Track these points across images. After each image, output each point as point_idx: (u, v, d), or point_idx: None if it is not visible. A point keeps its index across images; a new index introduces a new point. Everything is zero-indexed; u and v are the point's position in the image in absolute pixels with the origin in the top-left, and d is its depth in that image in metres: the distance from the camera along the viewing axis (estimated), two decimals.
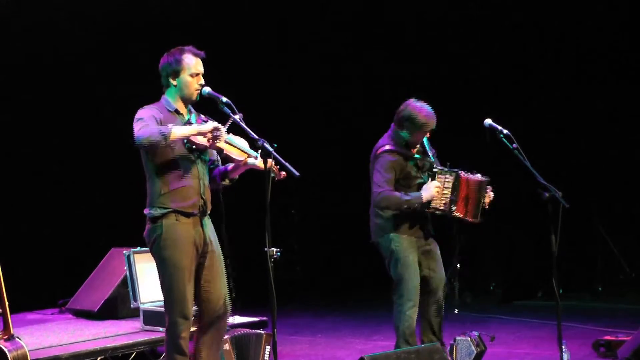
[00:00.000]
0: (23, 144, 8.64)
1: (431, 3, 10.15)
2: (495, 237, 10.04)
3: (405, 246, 5.78)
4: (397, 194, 5.74)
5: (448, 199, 5.74)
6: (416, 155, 5.85)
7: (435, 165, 5.83)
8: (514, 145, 5.60)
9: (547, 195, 5.50)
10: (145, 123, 4.61)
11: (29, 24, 8.58)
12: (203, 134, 4.62)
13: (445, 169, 5.81)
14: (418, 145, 5.90)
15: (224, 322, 4.95)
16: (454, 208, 5.76)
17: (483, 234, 9.70)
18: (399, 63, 10.63)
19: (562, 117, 10.03)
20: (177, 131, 4.55)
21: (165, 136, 4.50)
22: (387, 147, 5.82)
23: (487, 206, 5.91)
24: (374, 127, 10.98)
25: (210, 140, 4.65)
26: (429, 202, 5.72)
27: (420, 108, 5.77)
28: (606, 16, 9.74)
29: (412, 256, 5.78)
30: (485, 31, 10.16)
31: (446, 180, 5.77)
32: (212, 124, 4.64)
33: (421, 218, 5.85)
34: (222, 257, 4.93)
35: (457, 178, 5.78)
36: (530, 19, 9.96)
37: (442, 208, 5.76)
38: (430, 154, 5.93)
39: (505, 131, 5.67)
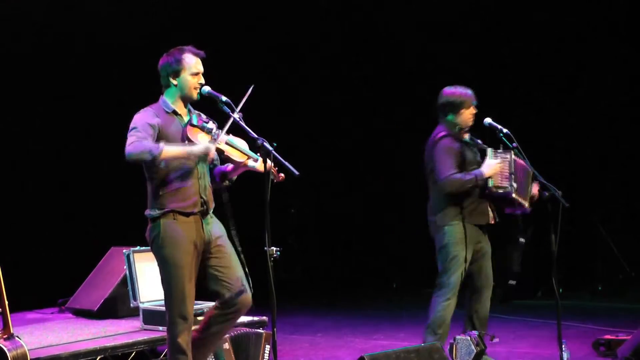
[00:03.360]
0: (23, 144, 8.64)
1: (431, 3, 10.16)
2: (495, 236, 10.03)
3: (458, 240, 5.80)
4: (458, 175, 5.74)
5: (507, 177, 5.76)
6: (467, 141, 5.90)
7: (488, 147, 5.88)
8: (514, 144, 5.62)
9: (547, 194, 5.51)
10: (138, 135, 4.59)
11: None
12: (194, 156, 4.63)
13: (500, 150, 5.82)
14: (466, 136, 5.93)
15: (246, 302, 4.84)
16: (515, 186, 5.76)
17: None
18: (399, 62, 10.64)
19: (562, 117, 10.03)
20: (168, 152, 4.55)
21: (154, 157, 4.52)
22: (443, 133, 5.86)
23: (535, 198, 5.94)
24: (375, 127, 11.06)
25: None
26: (489, 180, 5.72)
27: (452, 89, 5.91)
28: (607, 16, 9.74)
29: (462, 252, 5.81)
30: (487, 30, 10.16)
31: (503, 159, 5.79)
32: (201, 148, 4.62)
33: (481, 207, 5.87)
34: (233, 249, 4.90)
35: (512, 157, 5.79)
36: (532, 18, 9.96)
37: (503, 185, 5.74)
38: (480, 143, 5.98)
39: (505, 130, 5.69)
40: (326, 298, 10.21)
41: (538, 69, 10.04)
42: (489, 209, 5.92)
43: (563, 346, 5.46)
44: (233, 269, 4.84)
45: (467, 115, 5.87)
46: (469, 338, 5.80)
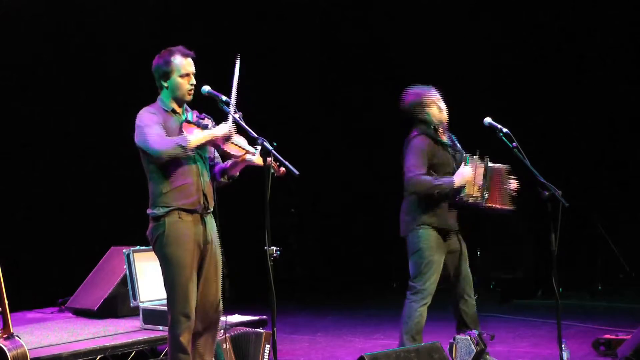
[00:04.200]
0: (23, 144, 8.64)
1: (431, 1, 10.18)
2: (495, 235, 10.04)
3: (432, 245, 5.79)
4: (428, 178, 5.74)
5: (480, 187, 5.74)
6: (445, 142, 5.87)
7: (465, 153, 5.85)
8: (514, 143, 5.61)
9: (546, 193, 5.50)
10: (158, 133, 4.63)
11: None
12: (218, 139, 4.66)
13: (476, 157, 5.81)
14: (445, 137, 5.90)
15: (215, 326, 4.95)
16: (486, 196, 5.76)
17: (482, 232, 9.72)
18: (398, 61, 10.64)
19: (563, 116, 10.03)
20: (194, 141, 4.62)
21: (184, 148, 4.60)
22: (415, 132, 5.86)
23: (514, 193, 5.92)
24: (374, 126, 11.05)
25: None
26: (461, 189, 5.71)
27: (414, 89, 5.92)
28: (608, 17, 9.74)
29: (437, 255, 5.81)
30: (486, 29, 10.16)
31: (477, 167, 5.76)
32: (226, 128, 4.67)
33: (451, 213, 5.86)
34: (220, 259, 4.93)
35: (488, 165, 5.78)
36: (532, 18, 9.96)
37: (475, 195, 5.73)
38: (459, 146, 5.98)
39: (504, 130, 5.68)
40: (326, 298, 10.21)
41: (538, 67, 10.04)
42: (452, 222, 5.90)
43: (563, 346, 5.46)
44: (213, 289, 4.88)
45: (439, 110, 5.85)
46: (469, 337, 5.79)
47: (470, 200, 5.77)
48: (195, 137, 4.63)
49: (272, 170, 4.65)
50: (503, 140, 5.67)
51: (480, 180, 5.76)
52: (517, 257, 10.00)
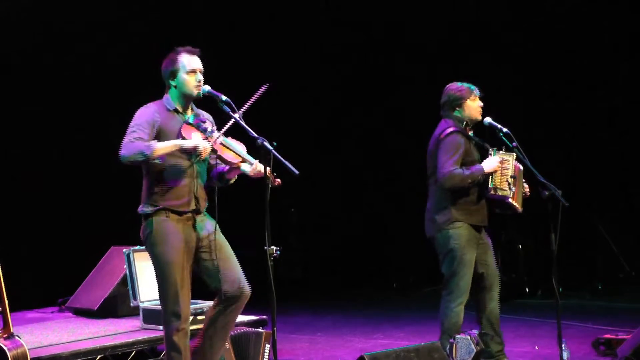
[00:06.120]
0: (23, 143, 8.64)
1: (433, 3, 10.19)
2: (495, 235, 10.03)
3: (464, 244, 5.72)
4: (459, 170, 5.65)
5: (509, 179, 5.68)
6: (474, 138, 5.82)
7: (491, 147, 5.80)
8: (514, 143, 5.61)
9: (546, 193, 5.50)
10: (133, 136, 4.65)
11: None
12: (183, 150, 4.64)
13: (502, 150, 5.75)
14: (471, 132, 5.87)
15: (245, 291, 4.86)
16: (514, 190, 5.68)
17: None
18: (399, 61, 10.64)
19: (563, 115, 10.04)
20: (160, 149, 4.60)
21: (146, 157, 4.58)
22: (451, 129, 5.75)
23: (527, 195, 5.87)
24: (373, 125, 11.05)
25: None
26: (490, 179, 5.65)
27: (454, 85, 5.86)
28: (607, 16, 9.75)
29: (469, 254, 5.74)
30: (486, 29, 10.17)
31: (504, 160, 5.71)
32: (192, 143, 4.63)
33: (481, 207, 5.78)
34: (227, 242, 4.90)
35: (513, 160, 5.71)
36: (531, 19, 9.97)
37: (503, 187, 5.65)
38: (486, 145, 5.91)
39: (504, 129, 5.68)
40: (326, 297, 10.21)
41: (537, 66, 10.04)
42: (486, 210, 5.84)
43: (563, 345, 5.46)
44: (228, 260, 4.86)
45: (473, 107, 5.78)
46: (468, 337, 5.78)
47: (499, 193, 5.68)
48: (162, 145, 4.62)
49: (267, 181, 4.63)
50: (503, 140, 5.67)
51: (508, 173, 5.69)
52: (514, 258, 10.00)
